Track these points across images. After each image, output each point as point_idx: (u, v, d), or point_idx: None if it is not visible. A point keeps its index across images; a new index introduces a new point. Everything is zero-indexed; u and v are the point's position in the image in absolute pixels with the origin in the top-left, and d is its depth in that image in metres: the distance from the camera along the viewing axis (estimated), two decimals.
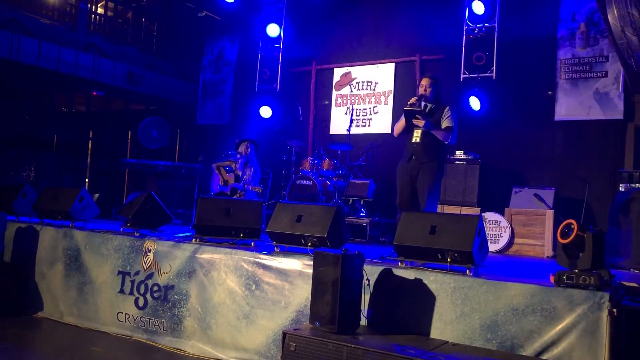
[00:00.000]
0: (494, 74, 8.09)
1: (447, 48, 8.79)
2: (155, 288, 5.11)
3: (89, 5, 11.29)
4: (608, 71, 7.64)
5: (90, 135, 12.97)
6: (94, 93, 13.00)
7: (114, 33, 11.77)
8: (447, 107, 5.55)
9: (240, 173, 7.65)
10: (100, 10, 12.09)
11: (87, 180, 12.60)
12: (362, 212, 8.26)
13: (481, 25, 8.26)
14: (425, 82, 5.59)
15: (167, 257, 5.11)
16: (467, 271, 3.90)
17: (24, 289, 5.96)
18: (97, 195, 10.35)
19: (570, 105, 7.85)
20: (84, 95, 13.91)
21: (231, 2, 10.24)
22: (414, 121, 5.42)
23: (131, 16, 12.29)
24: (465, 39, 8.38)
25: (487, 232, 6.92)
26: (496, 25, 8.14)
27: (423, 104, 5.54)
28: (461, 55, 8.39)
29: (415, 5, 9.30)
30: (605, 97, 7.61)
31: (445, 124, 5.48)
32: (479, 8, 8.15)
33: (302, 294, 4.33)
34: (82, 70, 10.25)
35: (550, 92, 8.08)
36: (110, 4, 12.27)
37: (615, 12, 5.27)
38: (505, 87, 8.17)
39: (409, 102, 5.50)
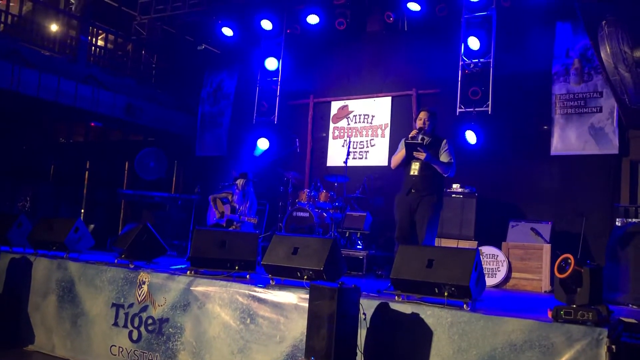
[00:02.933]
0: (489, 109, 8.16)
1: (443, 82, 8.89)
2: (150, 321, 5.04)
3: (89, 38, 11.43)
4: (602, 106, 7.73)
5: (87, 166, 12.98)
6: (92, 124, 13.06)
7: (113, 65, 11.89)
8: (445, 141, 5.55)
9: (236, 205, 7.65)
10: (100, 43, 12.23)
11: (82, 210, 12.55)
12: (359, 245, 8.22)
13: (477, 60, 8.37)
14: (423, 115, 5.61)
15: (162, 289, 5.06)
16: (465, 305, 3.87)
17: (16, 321, 5.88)
18: (92, 226, 10.30)
19: (566, 140, 7.92)
20: (82, 126, 13.97)
21: (230, 36, 10.41)
22: (415, 154, 5.42)
23: (131, 48, 12.42)
24: (461, 74, 8.47)
25: (484, 266, 6.91)
26: (492, 60, 8.25)
27: (420, 137, 5.57)
28: (457, 90, 8.47)
29: (411, 41, 9.47)
30: (601, 132, 7.68)
31: (444, 157, 5.48)
32: (474, 44, 8.27)
33: (297, 328, 4.27)
34: (81, 101, 10.31)
35: (545, 127, 8.15)
36: (111, 37, 12.41)
37: (608, 50, 5.36)
38: (501, 121, 8.24)
39: (410, 135, 5.51)
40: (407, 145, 5.45)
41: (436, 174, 5.45)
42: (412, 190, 5.45)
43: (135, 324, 5.11)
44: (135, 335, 5.09)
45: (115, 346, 5.17)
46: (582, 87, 7.93)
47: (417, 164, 5.48)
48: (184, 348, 4.80)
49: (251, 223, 7.50)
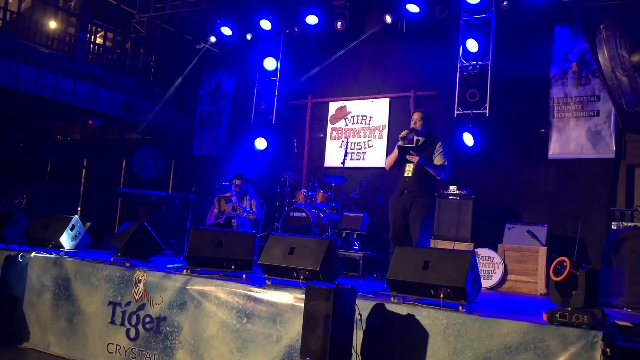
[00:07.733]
0: (487, 111, 8.18)
1: (441, 84, 8.90)
2: (148, 319, 5.04)
3: (88, 35, 11.41)
4: (600, 110, 7.75)
5: (85, 164, 12.95)
6: (90, 122, 13.04)
7: (112, 63, 11.88)
8: (440, 143, 5.58)
9: (236, 205, 7.65)
10: (99, 40, 12.21)
11: (79, 208, 12.52)
12: (356, 246, 8.23)
13: (475, 62, 8.38)
14: (416, 116, 5.66)
15: (158, 288, 5.06)
16: (460, 307, 3.88)
17: (11, 318, 5.87)
18: (89, 223, 10.25)
19: (563, 143, 7.93)
20: (79, 124, 13.95)
21: (229, 36, 10.42)
22: (408, 157, 5.46)
23: (130, 47, 12.41)
24: (459, 76, 8.49)
25: (480, 268, 6.92)
26: (490, 63, 8.27)
27: (415, 138, 5.59)
28: (455, 92, 8.49)
29: (410, 42, 9.47)
30: (598, 136, 7.70)
31: (438, 160, 5.51)
32: (473, 46, 8.28)
33: (293, 328, 4.28)
34: (79, 99, 10.30)
35: (543, 130, 8.16)
36: (109, 34, 12.40)
37: (606, 53, 5.38)
38: (498, 124, 8.25)
39: (400, 135, 5.54)
40: (399, 148, 5.50)
41: (429, 175, 5.49)
42: (406, 191, 5.49)
43: (133, 322, 5.11)
44: (132, 333, 5.09)
45: (113, 344, 5.17)
46: (579, 90, 7.95)
47: (411, 165, 5.51)
48: (182, 346, 4.80)
49: (250, 221, 7.50)
